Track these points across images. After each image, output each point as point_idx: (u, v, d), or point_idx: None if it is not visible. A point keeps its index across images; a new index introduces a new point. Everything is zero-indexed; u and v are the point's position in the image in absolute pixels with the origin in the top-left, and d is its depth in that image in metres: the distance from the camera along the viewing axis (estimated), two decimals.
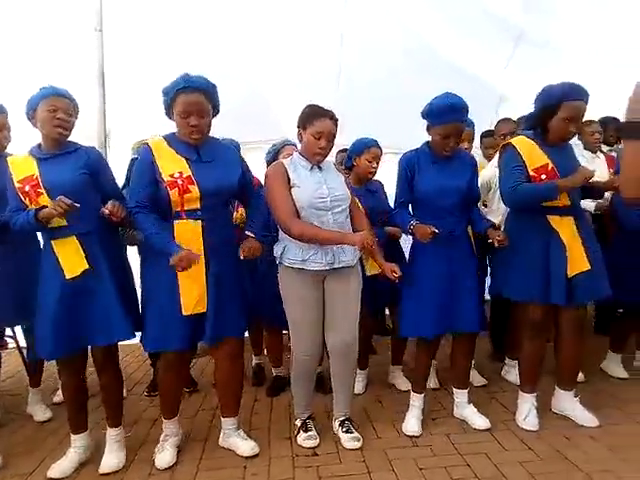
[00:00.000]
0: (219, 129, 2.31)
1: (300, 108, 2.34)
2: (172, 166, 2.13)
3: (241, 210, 2.92)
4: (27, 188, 2.13)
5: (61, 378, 2.38)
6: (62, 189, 2.09)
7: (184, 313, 2.12)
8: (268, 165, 2.94)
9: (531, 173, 2.35)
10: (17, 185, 2.16)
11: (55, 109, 2.14)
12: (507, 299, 2.59)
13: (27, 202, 2.15)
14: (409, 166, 2.50)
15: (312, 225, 2.21)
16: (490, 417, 2.56)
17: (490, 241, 2.43)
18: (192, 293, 2.13)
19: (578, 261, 2.34)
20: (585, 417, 2.49)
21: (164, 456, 2.30)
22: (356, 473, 2.17)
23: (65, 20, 3.60)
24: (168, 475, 2.23)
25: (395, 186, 2.60)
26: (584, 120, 3.28)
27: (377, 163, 2.89)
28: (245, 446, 2.36)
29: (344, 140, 2.95)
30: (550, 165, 2.34)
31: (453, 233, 2.42)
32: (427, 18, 4.39)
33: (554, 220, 2.37)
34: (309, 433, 2.44)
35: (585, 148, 3.41)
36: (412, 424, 2.51)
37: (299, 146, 2.42)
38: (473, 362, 3.03)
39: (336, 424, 2.50)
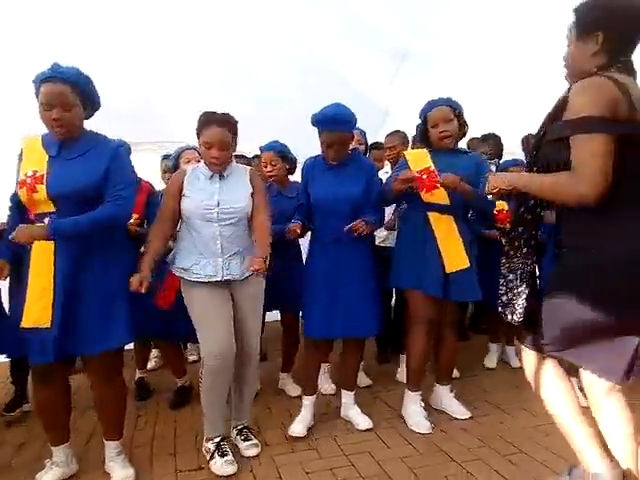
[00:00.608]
0: (109, 129, 2.15)
1: (193, 109, 2.28)
2: (31, 164, 1.95)
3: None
4: None
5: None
6: None
7: (22, 325, 1.91)
8: (174, 170, 2.87)
9: (415, 174, 2.51)
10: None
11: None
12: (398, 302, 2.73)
13: None
14: (306, 172, 2.59)
15: (153, 241, 2.19)
16: (374, 416, 2.65)
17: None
18: (35, 306, 1.93)
19: (456, 258, 2.49)
20: (459, 410, 2.67)
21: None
22: None
23: None
24: None
25: None
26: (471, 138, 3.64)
27: (271, 166, 2.94)
28: (119, 475, 2.16)
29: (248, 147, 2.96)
30: (432, 167, 2.51)
31: (341, 239, 2.45)
32: (320, 34, 4.55)
33: (433, 216, 2.52)
34: (226, 458, 2.24)
35: None
36: (296, 426, 2.52)
37: None
38: (362, 364, 3.12)
39: (234, 432, 2.45)
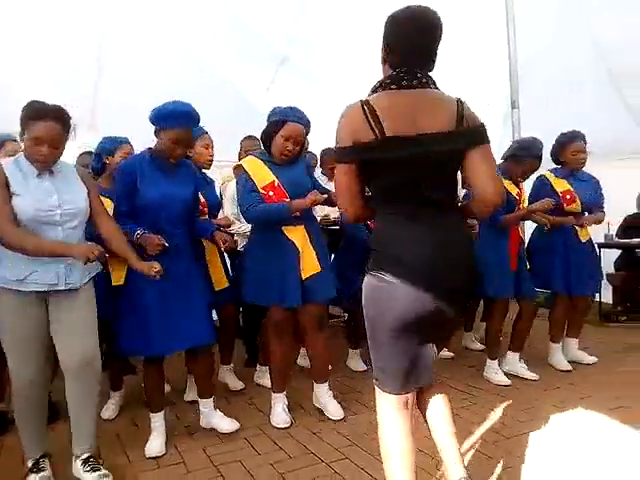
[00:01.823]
0: None
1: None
2: None
3: None
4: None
5: None
6: None
7: None
8: None
9: (261, 191, 2.52)
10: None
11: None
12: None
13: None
14: (131, 173, 2.31)
15: (32, 235, 1.93)
16: (246, 422, 2.63)
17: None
18: None
19: (311, 264, 2.58)
20: (334, 409, 2.72)
21: None
22: None
23: None
24: None
25: None
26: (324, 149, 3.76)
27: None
28: None
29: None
30: (276, 182, 2.54)
31: (177, 246, 2.34)
32: (205, 39, 4.52)
33: (288, 230, 2.56)
34: (41, 474, 2.06)
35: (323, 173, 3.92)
36: (154, 445, 2.37)
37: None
38: (232, 366, 3.14)
39: (78, 463, 2.11)
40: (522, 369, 3.28)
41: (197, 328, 2.36)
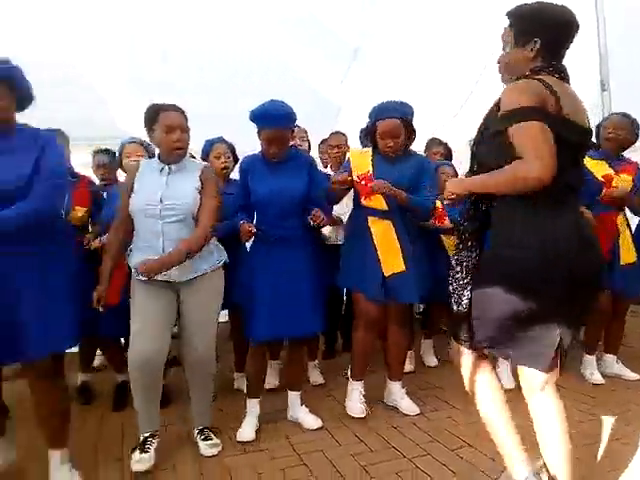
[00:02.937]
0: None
1: (136, 106, 2.25)
2: None
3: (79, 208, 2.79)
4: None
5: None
6: None
7: None
8: (119, 165, 2.91)
9: (355, 179, 2.59)
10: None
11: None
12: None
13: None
14: (245, 170, 2.52)
15: (111, 241, 2.24)
16: (326, 414, 2.68)
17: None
18: None
19: (393, 262, 2.55)
20: (409, 406, 2.71)
21: None
22: None
23: None
24: None
25: None
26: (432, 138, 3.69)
27: (225, 158, 2.92)
28: None
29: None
30: (370, 172, 2.57)
31: (286, 236, 2.44)
32: (275, 34, 4.57)
33: (372, 221, 2.59)
34: (143, 455, 2.19)
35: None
36: (246, 431, 2.48)
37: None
38: (317, 362, 3.22)
39: (195, 432, 2.40)
40: (621, 369, 3.09)
41: (306, 317, 2.44)
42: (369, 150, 2.70)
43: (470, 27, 4.36)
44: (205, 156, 2.93)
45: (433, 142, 3.75)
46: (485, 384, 1.78)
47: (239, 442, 2.44)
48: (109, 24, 3.93)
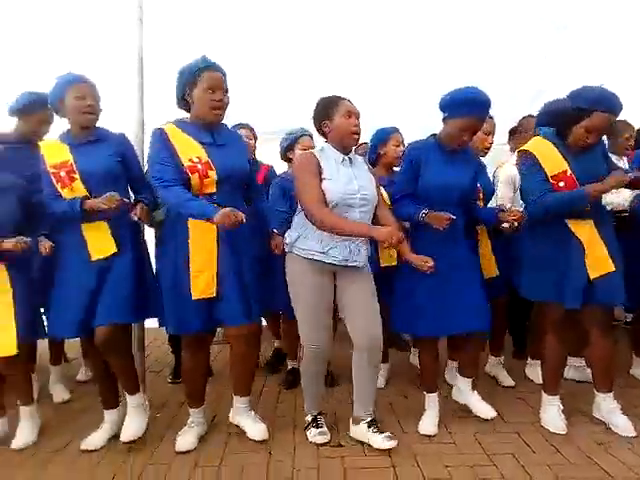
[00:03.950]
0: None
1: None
2: (189, 151, 2.17)
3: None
4: (62, 174, 2.21)
5: (87, 357, 2.45)
6: (96, 175, 2.22)
7: (193, 297, 2.15)
8: (284, 153, 3.07)
9: (550, 180, 2.31)
10: (51, 170, 2.22)
11: (83, 96, 2.22)
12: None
13: (59, 187, 2.22)
14: (415, 158, 2.41)
15: (336, 215, 2.17)
16: (513, 416, 2.56)
17: (503, 225, 2.39)
18: (201, 277, 2.16)
19: (601, 263, 2.28)
20: (624, 425, 2.38)
21: (185, 440, 2.32)
22: (380, 466, 2.16)
23: (105, 10, 3.71)
24: (194, 457, 2.25)
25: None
26: (620, 120, 3.09)
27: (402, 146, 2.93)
28: (254, 430, 2.37)
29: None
30: (568, 172, 2.29)
31: (454, 229, 2.35)
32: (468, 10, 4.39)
33: (574, 224, 2.32)
34: (320, 429, 2.38)
35: (611, 151, 3.07)
36: (426, 424, 2.47)
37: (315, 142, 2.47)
38: (502, 359, 3.09)
39: (364, 427, 2.33)
40: None
41: (473, 313, 2.36)
42: (545, 141, 2.38)
43: None
44: (383, 144, 2.92)
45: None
46: None
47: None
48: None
